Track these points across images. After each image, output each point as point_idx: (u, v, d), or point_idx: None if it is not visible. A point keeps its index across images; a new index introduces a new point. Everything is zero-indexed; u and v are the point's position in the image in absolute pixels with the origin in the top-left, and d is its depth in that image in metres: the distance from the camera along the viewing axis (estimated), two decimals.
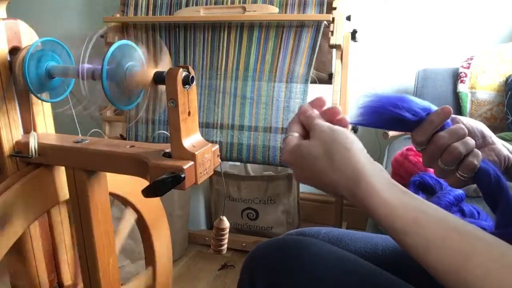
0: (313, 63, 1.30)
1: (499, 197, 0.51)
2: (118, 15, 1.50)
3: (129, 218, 0.83)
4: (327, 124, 0.49)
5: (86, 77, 0.60)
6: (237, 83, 1.36)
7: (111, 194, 0.73)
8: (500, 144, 0.56)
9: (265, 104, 1.33)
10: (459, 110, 1.39)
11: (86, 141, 0.63)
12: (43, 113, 0.68)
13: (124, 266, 1.41)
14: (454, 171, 0.53)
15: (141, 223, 0.85)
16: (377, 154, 1.65)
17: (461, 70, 1.42)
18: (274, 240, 0.62)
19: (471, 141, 0.52)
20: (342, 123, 0.50)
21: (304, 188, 1.78)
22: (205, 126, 1.39)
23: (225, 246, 0.71)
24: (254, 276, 0.59)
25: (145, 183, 0.55)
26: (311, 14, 1.30)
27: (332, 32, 1.29)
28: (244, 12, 1.35)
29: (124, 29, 1.50)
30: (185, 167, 0.53)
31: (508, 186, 0.51)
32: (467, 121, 0.55)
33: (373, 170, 0.44)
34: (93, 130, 0.72)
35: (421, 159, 1.04)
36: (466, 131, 0.52)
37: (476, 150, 0.52)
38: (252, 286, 0.59)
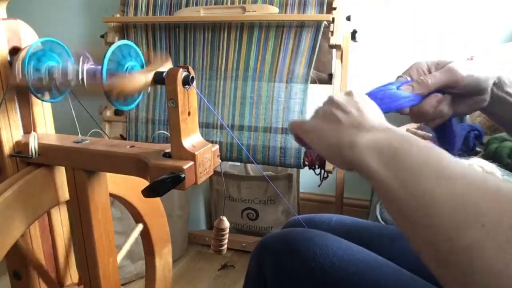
0: (313, 63, 1.30)
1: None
2: (118, 15, 1.50)
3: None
4: None
5: (86, 77, 0.60)
6: (237, 83, 1.36)
7: (111, 195, 0.73)
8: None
9: (265, 104, 1.33)
10: None
11: (86, 141, 0.63)
12: (43, 113, 0.68)
13: (124, 266, 1.42)
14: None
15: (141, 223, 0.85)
16: None
17: None
18: (283, 231, 0.62)
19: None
20: None
21: (304, 188, 1.78)
22: (205, 126, 1.39)
23: (225, 246, 0.71)
24: (262, 264, 0.59)
25: (145, 183, 0.55)
26: (311, 14, 1.30)
27: (332, 32, 1.29)
28: (244, 12, 1.35)
29: (124, 29, 1.50)
30: (185, 167, 0.53)
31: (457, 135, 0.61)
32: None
33: None
34: (93, 130, 0.72)
35: None
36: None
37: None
38: (261, 274, 0.59)
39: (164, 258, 0.91)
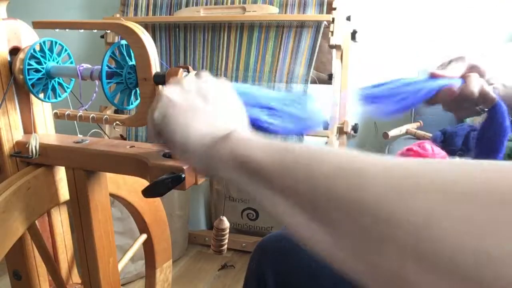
0: (313, 64, 1.30)
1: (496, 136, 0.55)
2: (118, 15, 1.50)
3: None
4: None
5: (86, 77, 0.60)
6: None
7: (111, 195, 0.73)
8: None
9: None
10: None
11: (86, 141, 0.63)
12: (43, 113, 0.68)
13: (124, 266, 1.41)
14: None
15: (141, 223, 0.85)
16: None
17: None
18: (283, 231, 0.62)
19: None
20: None
21: None
22: None
23: (225, 246, 0.71)
24: (262, 264, 0.59)
25: (145, 183, 0.55)
26: (311, 14, 1.30)
27: (332, 32, 1.30)
28: (244, 12, 1.35)
29: None
30: (185, 167, 0.53)
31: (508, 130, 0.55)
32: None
33: None
34: (93, 130, 0.72)
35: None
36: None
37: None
38: (261, 274, 0.59)
39: (164, 273, 0.91)
